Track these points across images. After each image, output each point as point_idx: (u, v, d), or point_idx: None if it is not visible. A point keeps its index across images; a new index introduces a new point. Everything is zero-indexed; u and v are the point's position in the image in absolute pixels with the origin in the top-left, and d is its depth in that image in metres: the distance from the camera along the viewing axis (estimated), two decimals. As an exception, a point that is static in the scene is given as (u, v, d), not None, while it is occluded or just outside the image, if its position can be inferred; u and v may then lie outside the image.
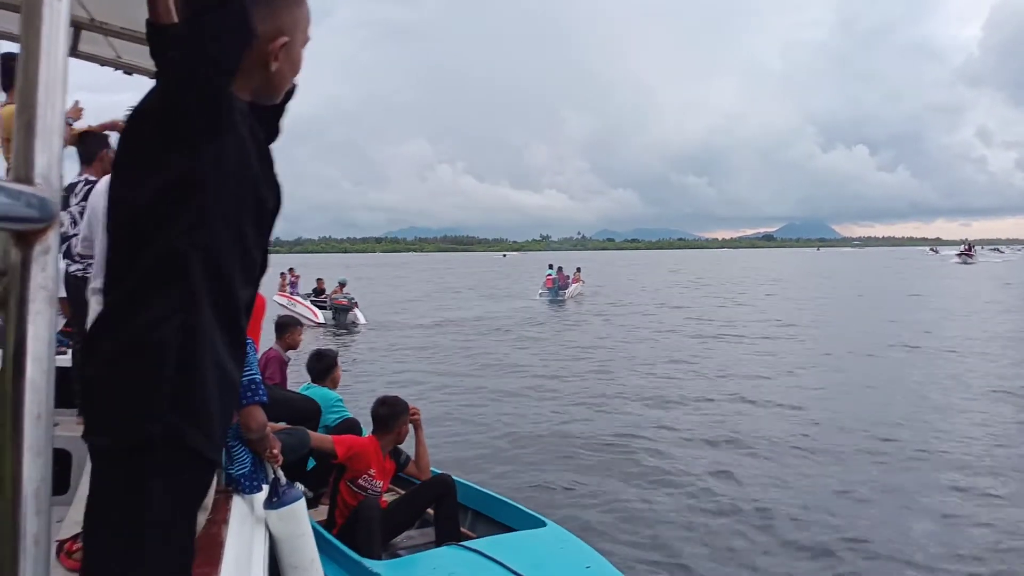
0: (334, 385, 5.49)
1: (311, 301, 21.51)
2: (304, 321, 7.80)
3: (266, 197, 1.38)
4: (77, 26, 3.04)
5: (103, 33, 3.09)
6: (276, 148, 1.57)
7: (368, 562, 3.70)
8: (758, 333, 17.64)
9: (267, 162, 1.41)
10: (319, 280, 23.44)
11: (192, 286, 1.20)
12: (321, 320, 20.11)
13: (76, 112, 4.41)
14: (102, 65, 3.41)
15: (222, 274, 1.26)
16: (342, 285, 22.00)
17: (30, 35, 0.68)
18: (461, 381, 12.00)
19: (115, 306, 1.20)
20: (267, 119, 1.48)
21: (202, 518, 1.67)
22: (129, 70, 3.41)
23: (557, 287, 30.45)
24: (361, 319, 20.79)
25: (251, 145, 1.33)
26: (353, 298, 21.13)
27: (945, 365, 12.86)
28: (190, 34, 1.20)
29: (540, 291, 31.19)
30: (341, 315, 20.67)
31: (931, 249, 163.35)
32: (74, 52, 3.17)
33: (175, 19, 1.43)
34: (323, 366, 5.47)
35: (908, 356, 14.06)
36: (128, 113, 1.30)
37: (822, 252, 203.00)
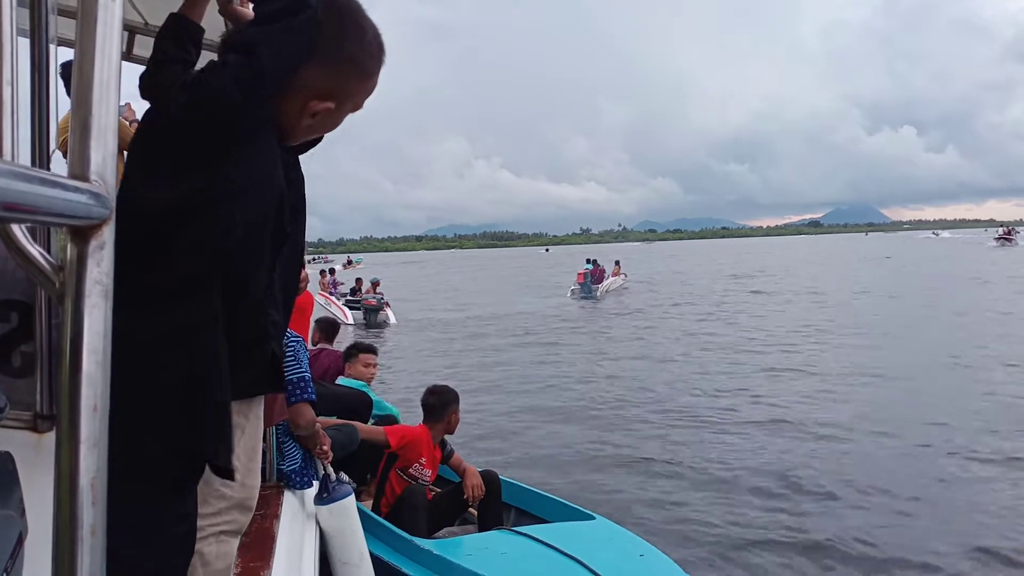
0: (367, 377, 5.58)
1: (347, 301, 21.82)
2: (337, 321, 8.07)
3: (285, 223, 1.37)
4: (132, 30, 3.11)
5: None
6: (316, 151, 1.59)
7: (419, 540, 3.72)
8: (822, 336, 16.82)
9: (296, 188, 1.41)
10: (358, 280, 23.79)
11: (209, 302, 1.19)
12: (351, 321, 20.49)
13: (131, 113, 4.55)
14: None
15: (235, 291, 1.24)
16: (375, 284, 22.28)
17: (85, 35, 0.70)
18: (485, 378, 12.06)
19: (126, 312, 1.16)
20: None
21: (245, 519, 1.68)
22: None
23: (589, 282, 28.38)
24: (392, 319, 21.07)
25: (279, 169, 1.33)
26: (383, 298, 21.40)
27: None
28: (253, 39, 1.19)
29: (572, 287, 29.11)
30: (371, 315, 20.95)
31: (933, 233, 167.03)
32: (128, 56, 3.25)
33: (200, 21, 1.43)
34: (352, 351, 5.61)
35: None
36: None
37: (871, 237, 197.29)
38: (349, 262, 75.64)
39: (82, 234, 0.64)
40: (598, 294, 27.97)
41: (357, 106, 1.40)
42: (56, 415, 1.49)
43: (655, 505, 6.16)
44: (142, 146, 1.25)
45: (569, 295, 28.62)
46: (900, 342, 13.99)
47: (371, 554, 3.74)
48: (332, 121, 1.40)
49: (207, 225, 1.18)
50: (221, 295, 1.20)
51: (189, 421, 1.17)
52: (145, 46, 3.30)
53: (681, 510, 6.03)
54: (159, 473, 1.18)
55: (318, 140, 1.58)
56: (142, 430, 1.13)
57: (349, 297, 22.43)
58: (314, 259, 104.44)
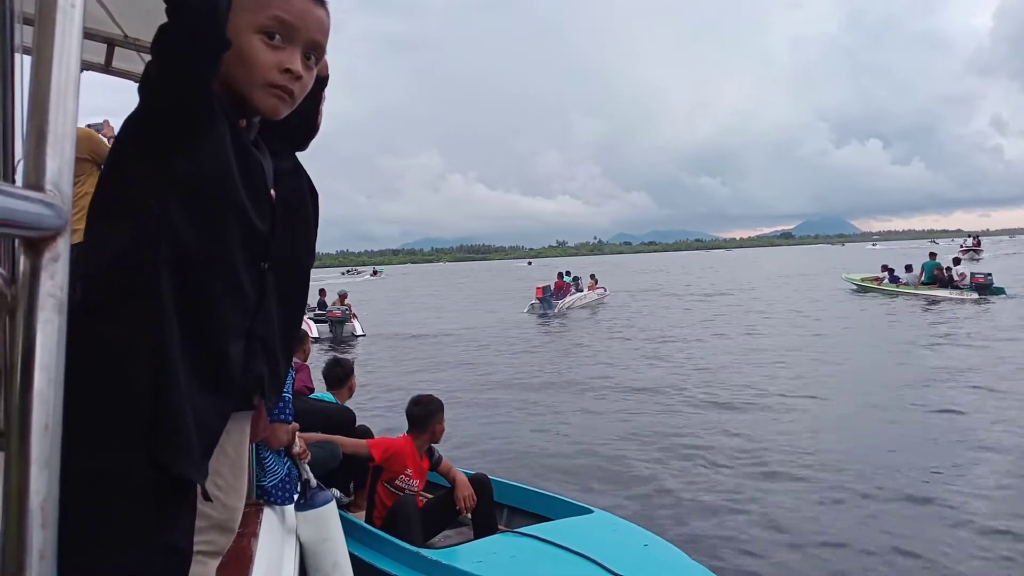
0: (350, 394, 5.49)
1: (314, 315, 21.24)
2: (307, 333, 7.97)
3: (253, 218, 1.26)
4: (111, 43, 3.09)
5: (136, 50, 3.13)
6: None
7: (426, 552, 3.67)
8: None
9: (257, 179, 1.28)
10: (321, 291, 23.37)
11: (161, 306, 1.10)
12: (316, 334, 20.02)
13: (110, 130, 4.51)
14: (136, 82, 3.45)
15: (200, 298, 1.17)
16: (342, 297, 22.02)
17: (43, 41, 0.68)
18: (457, 391, 11.90)
19: (77, 317, 1.11)
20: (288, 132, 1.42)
21: (225, 540, 1.63)
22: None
23: (549, 296, 26.08)
24: (359, 330, 20.79)
25: (236, 158, 1.22)
26: (349, 310, 21.13)
27: None
28: (158, 37, 1.10)
29: (531, 302, 26.54)
30: (337, 327, 20.71)
31: (872, 244, 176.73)
32: (108, 69, 3.22)
33: None
34: (341, 373, 5.49)
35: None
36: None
37: (847, 248, 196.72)
38: (375, 272, 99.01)
39: (35, 246, 0.62)
40: (557, 310, 25.87)
41: (309, 37, 1.27)
42: (5, 433, 1.45)
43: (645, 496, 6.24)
44: (117, 145, 1.19)
45: (527, 310, 26.45)
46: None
47: (376, 568, 3.69)
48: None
49: (154, 222, 1.11)
50: (176, 298, 1.14)
51: (148, 435, 1.11)
52: (125, 59, 3.27)
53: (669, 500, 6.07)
54: (132, 494, 1.13)
55: (314, 131, 1.50)
56: (106, 448, 1.09)
57: (317, 311, 21.87)
58: (348, 271, 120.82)
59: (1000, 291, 23.40)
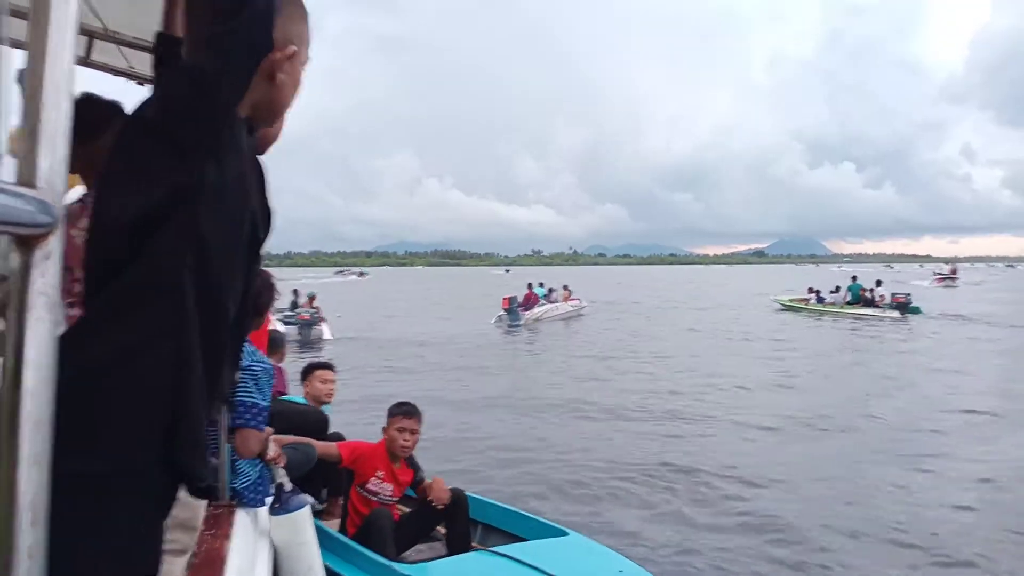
0: (320, 398, 5.34)
1: (283, 316, 20.50)
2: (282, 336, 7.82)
3: (258, 225, 1.30)
4: (90, 35, 3.04)
5: (116, 43, 3.08)
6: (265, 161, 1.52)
7: (399, 566, 3.63)
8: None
9: (262, 187, 1.33)
10: (294, 291, 22.98)
11: (184, 308, 1.12)
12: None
13: None
14: (114, 75, 3.40)
15: (214, 300, 1.18)
16: (311, 298, 21.72)
17: (37, 37, 0.67)
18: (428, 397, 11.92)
19: (95, 318, 1.09)
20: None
21: (188, 539, 1.62)
22: (141, 80, 3.42)
23: (516, 308, 25.40)
24: (326, 334, 20.55)
25: (249, 168, 1.25)
26: (317, 312, 20.91)
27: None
28: (208, 44, 1.13)
29: (498, 314, 25.86)
30: (305, 330, 20.46)
31: (837, 266, 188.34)
32: (87, 61, 3.18)
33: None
34: (308, 369, 5.40)
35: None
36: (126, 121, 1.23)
37: (820, 268, 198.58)
38: (361, 273, 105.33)
39: (27, 243, 0.61)
40: (524, 322, 25.23)
41: (306, 56, 1.35)
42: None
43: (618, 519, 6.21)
44: (132, 144, 1.18)
45: (494, 322, 25.76)
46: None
47: None
48: (297, 72, 1.33)
49: (182, 230, 1.11)
50: (196, 302, 1.15)
51: (165, 434, 1.12)
52: (104, 52, 3.22)
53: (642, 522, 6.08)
54: (142, 488, 1.12)
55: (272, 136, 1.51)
56: (123, 442, 1.09)
57: (287, 312, 21.28)
58: (340, 271, 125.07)
59: (917, 310, 26.42)
